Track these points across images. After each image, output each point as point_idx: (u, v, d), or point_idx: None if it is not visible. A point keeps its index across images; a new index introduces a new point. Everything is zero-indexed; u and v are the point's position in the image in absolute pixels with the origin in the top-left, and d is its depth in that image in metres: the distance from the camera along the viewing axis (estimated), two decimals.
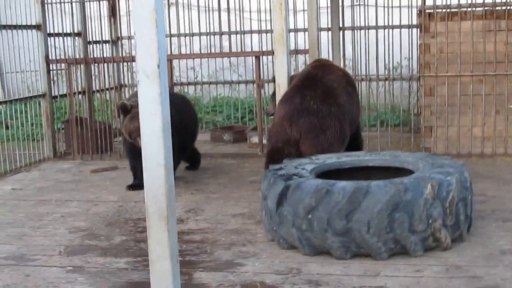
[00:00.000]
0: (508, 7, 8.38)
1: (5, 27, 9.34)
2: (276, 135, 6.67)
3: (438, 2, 8.68)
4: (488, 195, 6.66)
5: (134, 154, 7.06)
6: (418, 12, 9.03)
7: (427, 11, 8.57)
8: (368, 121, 10.20)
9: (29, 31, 9.56)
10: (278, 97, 6.95)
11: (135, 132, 6.70)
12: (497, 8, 8.40)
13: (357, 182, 5.00)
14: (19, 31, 9.42)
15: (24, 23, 9.54)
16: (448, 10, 8.47)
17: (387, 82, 10.48)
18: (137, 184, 7.20)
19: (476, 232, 5.48)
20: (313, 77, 6.90)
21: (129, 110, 6.98)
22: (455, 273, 4.67)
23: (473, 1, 8.58)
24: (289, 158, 6.10)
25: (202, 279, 4.75)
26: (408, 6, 10.33)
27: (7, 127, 10.66)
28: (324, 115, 6.59)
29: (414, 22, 10.27)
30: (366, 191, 4.84)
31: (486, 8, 8.40)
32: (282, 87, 6.91)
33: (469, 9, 8.45)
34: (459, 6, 8.45)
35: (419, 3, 9.76)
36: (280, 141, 6.61)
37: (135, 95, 7.46)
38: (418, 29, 9.14)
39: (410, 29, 10.53)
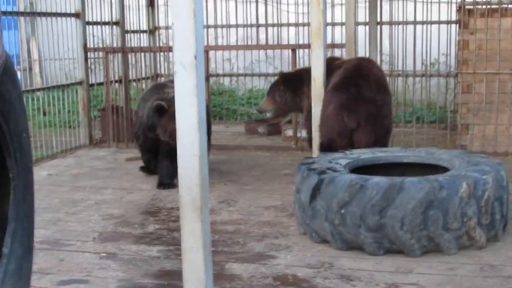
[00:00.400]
0: None
1: (45, 14, 9.45)
2: (332, 125, 6.67)
3: None
4: None
5: (150, 148, 7.43)
6: (457, 8, 8.93)
7: (467, 7, 8.46)
8: (404, 117, 10.13)
9: (68, 19, 9.65)
10: (316, 92, 6.91)
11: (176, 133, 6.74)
12: None
13: (391, 178, 4.97)
14: (58, 19, 9.51)
15: (63, 11, 9.63)
16: (488, 6, 8.36)
17: (424, 78, 10.39)
18: (169, 183, 7.18)
19: None
20: (363, 67, 6.90)
21: (167, 110, 6.87)
22: (489, 272, 4.62)
23: None
24: (340, 150, 6.13)
25: (234, 270, 4.77)
26: (448, 2, 10.22)
27: (44, 114, 10.78)
28: (380, 103, 6.66)
29: (453, 18, 10.16)
30: (400, 187, 4.81)
31: None
32: (318, 81, 6.88)
33: (510, 5, 8.33)
34: (500, 2, 8.34)
35: None
36: (336, 132, 6.64)
37: (165, 86, 7.48)
38: (457, 25, 9.04)
39: (448, 25, 10.42)
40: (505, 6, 8.36)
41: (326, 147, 6.60)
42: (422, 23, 10.12)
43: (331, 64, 7.11)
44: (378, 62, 10.29)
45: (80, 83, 9.75)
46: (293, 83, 7.66)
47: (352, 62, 7.27)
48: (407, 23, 10.21)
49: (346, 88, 6.66)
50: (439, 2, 10.29)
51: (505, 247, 5.09)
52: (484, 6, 8.39)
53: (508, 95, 8.30)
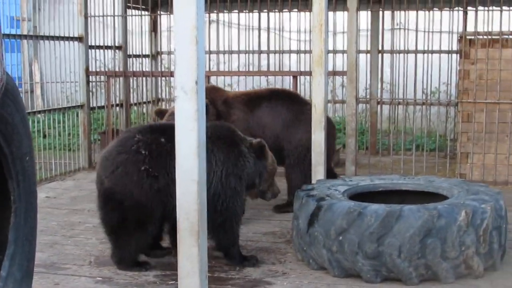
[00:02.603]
0: None
1: (48, 37, 9.50)
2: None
3: (480, 29, 8.62)
4: None
5: None
6: (458, 37, 8.98)
7: (468, 37, 8.51)
8: (404, 144, 10.14)
9: (71, 42, 9.71)
10: (316, 118, 6.91)
11: None
12: None
13: (389, 205, 4.96)
14: (61, 42, 9.57)
15: (66, 35, 9.69)
16: (489, 37, 8.41)
17: (424, 107, 10.41)
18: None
19: (510, 262, 5.39)
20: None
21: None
22: None
23: None
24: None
25: None
26: (449, 32, 10.27)
27: (44, 136, 10.79)
28: None
29: (454, 47, 10.20)
30: (398, 215, 4.80)
31: None
32: (318, 107, 6.90)
33: (511, 36, 8.37)
34: (501, 33, 8.38)
35: (460, 29, 9.72)
36: None
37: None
38: (458, 55, 9.08)
39: (449, 55, 10.47)
40: (506, 37, 8.41)
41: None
42: (424, 52, 10.15)
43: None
44: (379, 90, 10.34)
45: (81, 106, 9.78)
46: None
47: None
48: (408, 52, 10.26)
49: None
50: (441, 32, 10.34)
51: (503, 277, 5.07)
52: (485, 37, 8.43)
53: (508, 124, 8.32)
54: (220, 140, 5.26)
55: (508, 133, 8.34)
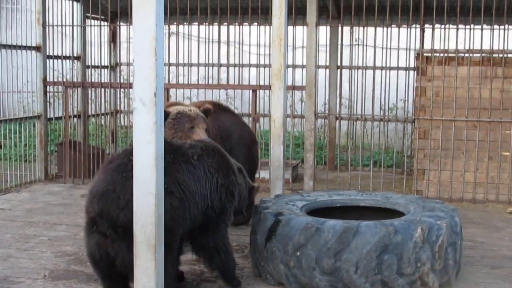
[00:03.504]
0: (505, 55, 8.46)
1: (5, 46, 9.37)
2: None
3: (436, 46, 8.75)
4: (478, 241, 6.65)
5: None
6: (416, 55, 9.10)
7: (425, 54, 8.63)
8: (362, 160, 10.21)
9: (28, 51, 9.59)
10: (275, 132, 6.92)
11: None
12: (494, 55, 8.48)
13: (347, 221, 4.98)
14: (18, 51, 9.45)
15: (24, 44, 9.57)
16: (446, 54, 8.54)
17: (382, 123, 10.52)
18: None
19: (464, 278, 5.46)
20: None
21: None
22: None
23: (471, 47, 8.65)
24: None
25: None
26: (406, 49, 10.40)
27: (0, 146, 10.63)
28: None
29: (412, 64, 10.33)
30: (356, 231, 4.83)
31: (483, 54, 8.47)
32: (277, 122, 6.92)
33: (467, 54, 8.51)
34: (457, 51, 8.52)
35: (417, 46, 9.84)
36: None
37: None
38: (415, 72, 9.21)
39: (407, 71, 10.60)
40: (462, 55, 8.54)
41: None
42: (382, 68, 10.27)
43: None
44: (338, 105, 10.40)
45: (38, 116, 9.65)
46: None
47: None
48: (366, 68, 10.36)
49: None
50: (398, 49, 10.46)
51: None
52: (441, 54, 8.56)
53: (463, 141, 8.44)
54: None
55: (463, 150, 8.46)
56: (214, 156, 5.00)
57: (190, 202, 4.64)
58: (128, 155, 4.49)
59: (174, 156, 4.65)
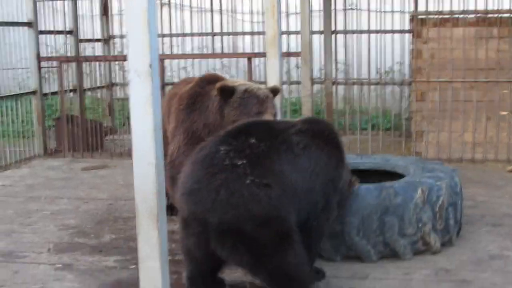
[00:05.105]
0: (500, 15, 8.42)
1: None
2: None
3: (431, 8, 8.72)
4: (478, 200, 6.68)
5: None
6: (410, 17, 9.06)
7: (420, 16, 8.60)
8: (360, 124, 10.22)
9: (20, 28, 9.53)
10: None
11: None
12: (489, 15, 8.44)
13: None
14: (10, 28, 9.39)
15: (15, 20, 9.50)
16: (441, 16, 8.50)
17: (379, 87, 10.50)
18: None
19: (466, 237, 5.50)
20: None
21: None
22: (444, 276, 4.68)
23: (466, 8, 8.62)
24: None
25: None
26: (401, 11, 10.35)
27: None
28: None
29: (407, 27, 10.29)
30: (356, 194, 4.85)
31: (478, 15, 8.43)
32: None
33: (462, 16, 8.48)
34: (452, 12, 8.48)
35: (412, 8, 9.80)
36: None
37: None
38: (411, 35, 9.17)
39: (402, 34, 10.56)
40: (457, 16, 8.50)
41: None
42: (376, 32, 10.22)
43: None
44: (334, 70, 10.38)
45: (34, 92, 9.61)
46: None
47: None
48: (361, 32, 10.32)
49: None
50: (392, 12, 10.41)
51: (459, 252, 5.16)
52: (436, 16, 8.53)
53: (461, 102, 8.44)
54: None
55: (461, 111, 8.46)
56: (326, 146, 4.43)
57: (291, 196, 4.08)
58: (217, 144, 4.13)
59: (272, 143, 4.14)
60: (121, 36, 11.28)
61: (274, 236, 3.92)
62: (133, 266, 4.88)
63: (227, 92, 5.21)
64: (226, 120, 5.21)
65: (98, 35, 11.26)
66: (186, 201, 4.08)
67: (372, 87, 10.45)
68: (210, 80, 5.59)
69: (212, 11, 11.14)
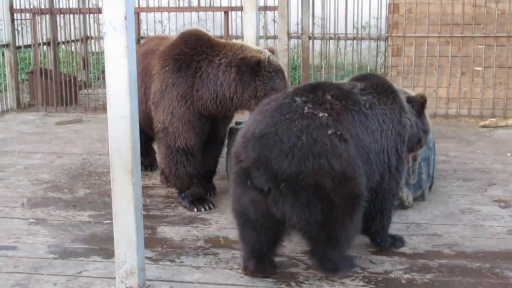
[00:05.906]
0: None
1: None
2: None
3: None
4: (451, 155, 6.76)
5: None
6: None
7: None
8: (335, 79, 10.19)
9: None
10: None
11: None
12: None
13: None
14: None
15: None
16: None
17: (355, 41, 10.47)
18: None
19: (438, 191, 5.57)
20: None
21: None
22: (415, 230, 4.75)
23: None
24: None
25: (166, 233, 4.76)
26: None
27: None
28: None
29: None
30: None
31: None
32: (250, 43, 6.86)
33: None
34: None
35: None
36: None
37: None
38: None
39: None
40: None
41: None
42: None
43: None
44: (311, 25, 10.32)
45: (7, 45, 9.49)
46: None
47: None
48: None
49: None
50: None
51: (431, 206, 5.23)
52: None
53: (436, 58, 8.47)
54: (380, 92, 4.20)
55: (436, 66, 8.49)
56: (387, 100, 4.18)
57: (364, 160, 3.88)
58: (291, 95, 3.87)
59: (346, 103, 3.93)
60: None
61: (348, 197, 3.69)
62: (108, 221, 4.89)
63: (259, 66, 5.02)
64: (250, 94, 5.03)
65: None
66: (253, 147, 3.69)
67: (349, 42, 10.42)
68: (199, 38, 5.27)
69: None
